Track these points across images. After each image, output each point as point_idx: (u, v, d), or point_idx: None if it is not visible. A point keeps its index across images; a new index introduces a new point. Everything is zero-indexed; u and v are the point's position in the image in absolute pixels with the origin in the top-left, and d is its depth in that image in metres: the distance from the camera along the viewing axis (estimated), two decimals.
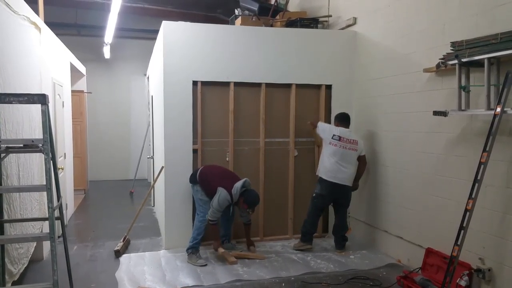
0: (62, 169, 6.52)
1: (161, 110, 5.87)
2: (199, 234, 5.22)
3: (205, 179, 5.22)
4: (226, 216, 5.45)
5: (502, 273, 3.79)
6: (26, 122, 4.53)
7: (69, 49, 7.81)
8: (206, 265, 5.07)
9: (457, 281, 3.95)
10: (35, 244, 4.81)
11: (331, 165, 5.41)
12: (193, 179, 5.35)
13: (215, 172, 5.31)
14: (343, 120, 5.62)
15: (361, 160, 5.57)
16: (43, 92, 3.59)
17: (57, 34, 6.52)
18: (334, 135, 5.45)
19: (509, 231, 3.71)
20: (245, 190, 5.11)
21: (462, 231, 3.66)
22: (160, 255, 5.43)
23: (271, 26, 6.59)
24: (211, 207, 5.07)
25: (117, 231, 6.38)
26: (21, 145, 3.40)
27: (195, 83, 5.60)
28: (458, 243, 3.67)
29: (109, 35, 9.54)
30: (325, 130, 5.59)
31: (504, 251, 3.76)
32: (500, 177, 3.79)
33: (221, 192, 5.03)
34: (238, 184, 5.08)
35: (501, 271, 3.80)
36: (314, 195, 5.59)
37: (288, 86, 5.99)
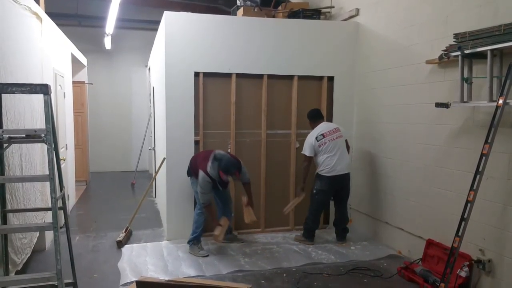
0: (64, 160, 6.53)
1: (162, 101, 5.86)
2: (198, 227, 5.24)
3: (192, 168, 5.24)
4: (223, 207, 5.44)
5: (502, 264, 3.80)
6: (28, 113, 4.53)
7: (70, 40, 7.78)
8: (207, 255, 5.10)
9: (458, 272, 3.97)
10: (38, 234, 4.83)
11: (326, 162, 5.39)
12: (188, 172, 5.36)
13: (198, 158, 5.23)
14: (315, 117, 5.63)
15: (346, 143, 5.61)
16: (44, 83, 3.58)
17: (58, 25, 6.50)
18: (316, 137, 5.41)
19: (510, 223, 3.72)
20: (218, 161, 4.94)
21: (463, 223, 3.67)
22: (162, 246, 5.46)
23: (273, 17, 6.57)
24: (198, 192, 5.06)
25: (119, 222, 6.41)
26: (24, 135, 3.40)
27: (196, 74, 5.59)
28: (459, 234, 3.68)
29: (110, 25, 9.49)
30: (307, 146, 5.47)
31: (504, 243, 3.78)
32: (501, 169, 3.79)
33: (199, 175, 4.96)
34: (209, 162, 4.98)
35: (501, 262, 3.82)
36: (314, 191, 5.55)
37: (290, 77, 5.98)
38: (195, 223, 5.27)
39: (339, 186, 5.49)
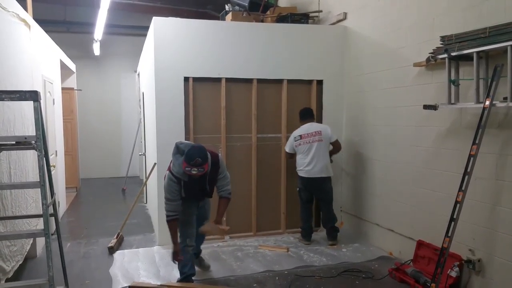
0: (54, 166, 6.49)
1: (152, 106, 5.86)
2: (185, 265, 4.30)
3: None
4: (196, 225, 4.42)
5: (492, 264, 3.85)
6: (18, 120, 4.50)
7: (59, 46, 7.75)
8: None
9: (448, 272, 4.00)
10: (31, 241, 4.80)
11: (300, 162, 5.59)
12: None
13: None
14: (303, 116, 5.72)
15: (334, 145, 5.65)
16: (34, 89, 3.58)
17: (46, 31, 6.47)
18: (295, 138, 5.61)
19: (499, 223, 3.77)
20: (181, 153, 4.03)
21: (453, 223, 3.71)
22: (154, 251, 5.45)
23: (262, 21, 6.61)
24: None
25: (110, 228, 6.38)
26: (13, 142, 3.39)
27: (186, 79, 5.60)
28: (449, 235, 3.72)
29: (98, 31, 9.48)
30: (288, 143, 5.73)
31: (493, 242, 3.82)
32: (489, 169, 3.84)
33: (165, 177, 4.17)
34: (172, 158, 4.17)
35: (491, 261, 3.86)
36: (298, 189, 5.76)
37: (279, 81, 6.01)
38: (181, 262, 4.27)
39: (313, 188, 5.59)
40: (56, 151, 6.87)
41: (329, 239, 5.66)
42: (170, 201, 4.08)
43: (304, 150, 5.51)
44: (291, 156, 5.76)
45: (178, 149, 4.10)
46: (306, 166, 5.50)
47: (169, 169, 4.15)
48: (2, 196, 3.99)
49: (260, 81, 5.92)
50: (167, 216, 4.13)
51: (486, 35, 3.59)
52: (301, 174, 5.59)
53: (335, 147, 5.67)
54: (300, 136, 5.55)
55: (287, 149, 5.72)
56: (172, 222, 4.12)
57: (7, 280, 3.99)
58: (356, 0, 5.90)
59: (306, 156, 5.49)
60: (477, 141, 3.63)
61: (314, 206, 5.95)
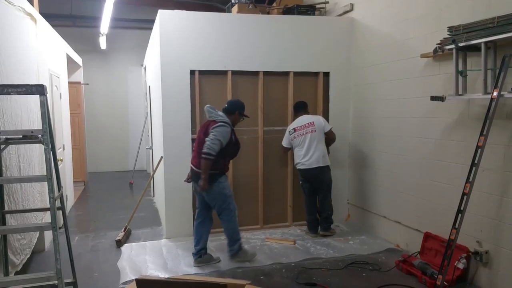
0: (61, 160, 6.53)
1: (159, 100, 5.86)
2: (238, 232, 4.86)
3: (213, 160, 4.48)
4: (204, 221, 4.92)
5: (499, 256, 3.83)
6: (24, 114, 4.53)
7: (65, 40, 7.77)
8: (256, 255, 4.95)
9: (455, 264, 3.99)
10: (37, 234, 4.84)
11: (296, 155, 5.66)
12: (211, 178, 4.55)
13: (200, 147, 4.56)
14: (296, 109, 5.81)
15: (328, 135, 5.65)
16: (40, 83, 3.59)
17: (52, 25, 6.49)
18: (289, 131, 5.70)
19: (506, 214, 3.74)
20: (222, 109, 4.76)
21: (460, 215, 3.69)
22: (161, 244, 5.48)
23: (268, 13, 6.57)
24: (213, 141, 4.43)
25: (118, 222, 6.42)
26: (21, 136, 3.41)
27: (192, 72, 5.60)
28: (456, 226, 3.71)
29: (105, 25, 9.47)
30: (285, 137, 5.79)
31: (501, 234, 3.80)
32: (497, 161, 3.82)
33: (221, 128, 4.52)
34: (213, 113, 4.68)
35: (498, 253, 3.85)
36: (300, 182, 5.78)
37: (285, 74, 5.99)
38: (233, 230, 4.80)
39: (311, 178, 5.61)
40: (63, 145, 6.90)
41: (321, 230, 5.68)
42: (218, 145, 4.46)
43: (299, 143, 5.57)
44: (286, 150, 5.86)
45: (223, 109, 4.79)
46: (302, 158, 5.55)
47: (222, 121, 4.57)
48: (13, 190, 4.03)
49: (266, 73, 5.91)
50: (211, 155, 4.40)
51: (494, 25, 3.55)
52: (299, 167, 5.65)
53: (330, 137, 5.69)
54: (294, 129, 5.63)
55: (284, 143, 5.77)
56: (211, 161, 4.44)
57: (16, 273, 4.03)
58: None
59: (302, 149, 5.55)
60: (484, 132, 3.60)
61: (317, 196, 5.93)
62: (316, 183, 5.63)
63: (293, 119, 5.82)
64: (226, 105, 4.89)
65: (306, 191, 5.72)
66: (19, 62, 4.50)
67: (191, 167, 4.81)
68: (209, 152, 4.39)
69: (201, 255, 4.79)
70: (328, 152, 5.71)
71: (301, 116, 5.68)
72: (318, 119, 5.62)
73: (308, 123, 5.57)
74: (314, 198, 5.75)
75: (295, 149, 5.65)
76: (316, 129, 5.54)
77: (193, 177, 4.80)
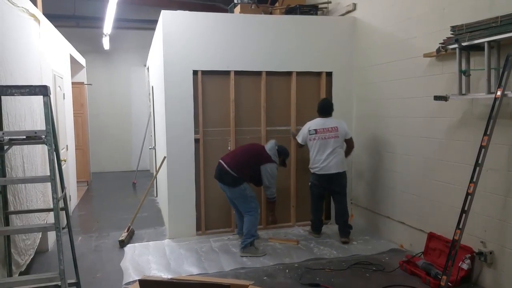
0: (65, 161, 6.54)
1: (162, 100, 5.87)
2: (256, 230, 5.21)
3: (243, 174, 5.08)
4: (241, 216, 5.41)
5: (504, 256, 3.82)
6: (28, 115, 4.54)
7: (68, 41, 7.79)
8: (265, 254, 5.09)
9: (459, 264, 3.98)
10: (40, 235, 4.85)
11: (314, 159, 5.46)
12: (237, 182, 5.06)
13: (241, 159, 5.17)
14: (321, 110, 5.54)
15: (348, 143, 5.56)
16: (44, 84, 3.59)
17: (55, 26, 6.50)
18: (309, 130, 5.46)
19: (511, 214, 3.73)
20: (277, 149, 5.30)
21: (464, 215, 3.68)
22: (164, 244, 5.47)
23: (271, 13, 6.57)
24: (268, 186, 5.19)
25: (121, 222, 6.42)
26: (24, 137, 3.41)
27: (195, 72, 5.60)
28: (460, 226, 3.70)
29: (108, 26, 9.49)
30: (301, 133, 5.62)
31: (505, 234, 3.79)
32: (501, 161, 3.80)
33: (268, 166, 5.14)
34: (272, 151, 5.23)
35: (502, 254, 3.83)
36: (310, 184, 5.66)
37: (288, 74, 5.99)
38: (252, 226, 5.10)
39: (328, 183, 5.48)
40: (67, 145, 6.92)
41: (341, 236, 5.51)
42: (274, 184, 5.24)
43: (319, 147, 5.38)
44: (300, 146, 5.70)
45: (275, 145, 5.30)
46: (321, 163, 5.37)
47: (270, 160, 5.15)
48: (18, 190, 4.04)
49: (269, 73, 5.90)
50: (275, 197, 5.31)
51: (497, 24, 3.53)
52: (316, 171, 5.46)
53: (349, 145, 5.59)
54: (316, 130, 5.41)
55: (299, 139, 5.59)
56: (275, 201, 5.38)
57: (21, 274, 4.04)
58: None
59: (322, 154, 5.37)
60: (488, 132, 3.59)
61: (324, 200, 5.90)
62: (332, 187, 5.52)
63: (317, 117, 5.55)
64: (278, 148, 5.31)
65: (315, 195, 5.62)
66: (23, 63, 4.51)
67: (221, 163, 5.16)
68: (273, 196, 5.30)
69: (246, 246, 5.09)
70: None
71: (325, 118, 5.48)
72: (342, 125, 5.46)
73: (332, 127, 5.41)
74: (321, 201, 5.71)
75: (313, 153, 5.45)
76: (339, 134, 5.39)
77: (221, 175, 5.14)
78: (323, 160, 5.38)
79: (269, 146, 5.27)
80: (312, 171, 5.54)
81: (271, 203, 5.38)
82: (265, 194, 5.43)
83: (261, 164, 5.12)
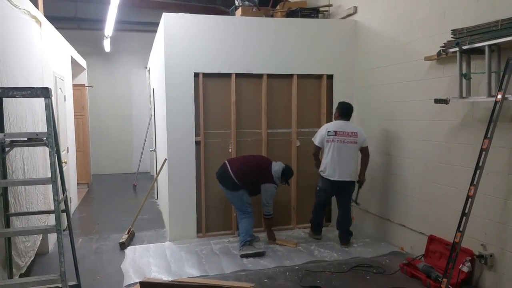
0: (66, 162, 6.55)
1: (163, 102, 5.88)
2: (251, 230, 5.31)
3: (243, 183, 5.21)
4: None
5: (504, 259, 3.82)
6: (29, 116, 4.55)
7: (70, 43, 7.81)
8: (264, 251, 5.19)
9: (460, 267, 3.99)
10: (41, 237, 4.85)
11: (329, 162, 5.31)
12: (236, 187, 5.21)
13: (246, 169, 5.29)
14: (343, 112, 5.41)
15: (363, 152, 5.43)
16: (45, 86, 3.60)
17: (57, 28, 6.52)
18: (329, 131, 5.30)
19: (511, 217, 3.73)
20: (283, 169, 5.35)
21: (464, 218, 3.68)
22: (165, 247, 5.47)
23: (272, 16, 6.58)
24: (265, 204, 5.32)
25: (122, 224, 6.43)
26: (25, 139, 3.42)
27: (196, 75, 5.61)
28: (460, 229, 3.70)
29: (109, 28, 9.51)
30: (318, 135, 5.44)
31: (506, 237, 3.79)
32: (501, 164, 3.81)
33: (268, 186, 5.26)
34: (277, 173, 5.28)
35: (503, 256, 3.83)
36: (317, 188, 5.58)
37: (289, 76, 5.99)
38: (249, 226, 5.27)
39: (337, 190, 5.44)
40: (67, 148, 6.93)
41: (341, 242, 5.44)
42: (271, 204, 5.36)
43: (336, 150, 5.24)
44: (318, 150, 5.48)
45: (279, 172, 5.31)
46: (336, 169, 5.25)
47: (271, 181, 5.26)
48: (18, 192, 4.04)
49: (270, 76, 5.91)
50: (271, 215, 5.42)
51: (498, 27, 3.54)
52: (328, 177, 5.33)
53: (364, 153, 5.44)
54: (335, 132, 5.25)
55: (316, 141, 5.40)
56: (272, 218, 5.53)
57: (21, 276, 4.04)
58: None
59: (338, 158, 5.23)
60: (489, 135, 3.59)
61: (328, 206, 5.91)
62: (340, 194, 5.48)
63: (335, 119, 5.51)
64: (284, 167, 5.36)
65: (322, 200, 5.56)
66: (24, 65, 4.52)
67: (226, 165, 5.29)
68: (269, 213, 5.41)
69: (244, 244, 5.19)
70: (365, 169, 5.52)
71: (346, 122, 5.37)
72: (361, 132, 5.34)
73: (352, 132, 5.27)
74: (326, 207, 5.71)
75: (327, 154, 5.32)
76: (357, 141, 5.28)
77: (223, 177, 5.29)
78: (338, 165, 5.26)
79: (276, 167, 5.31)
80: (323, 175, 5.41)
81: (267, 219, 5.50)
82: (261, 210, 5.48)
83: (262, 183, 5.26)
